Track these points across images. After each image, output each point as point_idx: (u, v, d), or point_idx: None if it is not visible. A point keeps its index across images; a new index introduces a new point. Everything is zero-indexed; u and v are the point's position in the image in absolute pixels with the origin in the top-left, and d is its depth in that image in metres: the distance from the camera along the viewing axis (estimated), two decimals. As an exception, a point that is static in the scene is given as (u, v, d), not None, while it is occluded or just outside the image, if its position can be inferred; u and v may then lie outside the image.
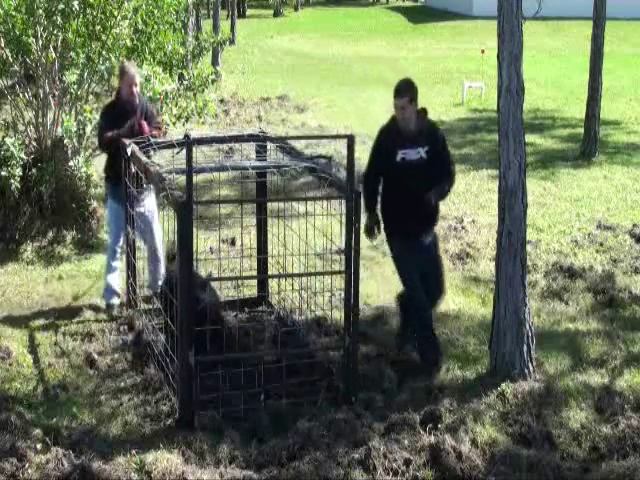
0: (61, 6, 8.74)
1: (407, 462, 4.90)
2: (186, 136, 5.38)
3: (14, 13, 8.84)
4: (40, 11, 8.78)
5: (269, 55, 29.22)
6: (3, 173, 8.32)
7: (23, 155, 8.50)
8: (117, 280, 7.39)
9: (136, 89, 7.22)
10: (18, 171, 8.39)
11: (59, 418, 5.53)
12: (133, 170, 6.68)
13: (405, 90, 6.10)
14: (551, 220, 10.06)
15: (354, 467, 4.86)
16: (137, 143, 6.66)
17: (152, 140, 6.62)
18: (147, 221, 7.31)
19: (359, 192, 5.62)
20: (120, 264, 7.42)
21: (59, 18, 8.81)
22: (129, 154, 6.62)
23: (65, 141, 8.79)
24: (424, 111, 6.22)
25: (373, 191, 6.31)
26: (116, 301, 7.32)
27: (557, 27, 34.24)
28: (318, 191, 7.68)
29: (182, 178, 5.47)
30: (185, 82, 9.91)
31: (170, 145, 6.54)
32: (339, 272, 5.79)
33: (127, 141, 6.77)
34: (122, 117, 7.09)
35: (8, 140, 8.41)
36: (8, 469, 4.78)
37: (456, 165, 6.62)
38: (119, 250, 7.40)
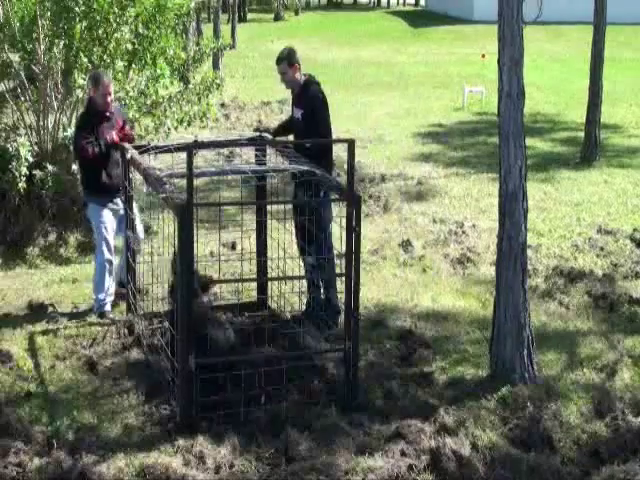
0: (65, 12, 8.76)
1: (408, 466, 4.90)
2: (195, 140, 5.39)
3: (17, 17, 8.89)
4: (44, 18, 8.80)
5: (270, 59, 29.15)
6: (10, 173, 8.34)
7: (30, 157, 8.52)
8: (110, 295, 7.36)
9: (110, 98, 7.19)
10: (24, 170, 8.40)
11: (59, 421, 5.53)
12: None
13: (281, 57, 6.83)
14: (551, 224, 10.06)
15: (354, 470, 4.86)
16: (137, 148, 6.67)
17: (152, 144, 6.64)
18: (122, 217, 7.29)
19: (359, 196, 5.62)
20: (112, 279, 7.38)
21: (63, 23, 8.83)
22: (128, 158, 6.63)
23: (67, 144, 8.80)
24: (308, 75, 6.90)
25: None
26: (108, 307, 7.31)
27: (557, 32, 34.23)
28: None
29: (182, 182, 5.47)
30: (190, 86, 9.93)
31: (169, 150, 6.54)
32: (339, 275, 5.79)
33: (127, 145, 6.79)
34: (99, 127, 7.10)
35: (19, 139, 8.45)
36: (8, 472, 4.78)
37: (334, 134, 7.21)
38: (113, 262, 7.38)
